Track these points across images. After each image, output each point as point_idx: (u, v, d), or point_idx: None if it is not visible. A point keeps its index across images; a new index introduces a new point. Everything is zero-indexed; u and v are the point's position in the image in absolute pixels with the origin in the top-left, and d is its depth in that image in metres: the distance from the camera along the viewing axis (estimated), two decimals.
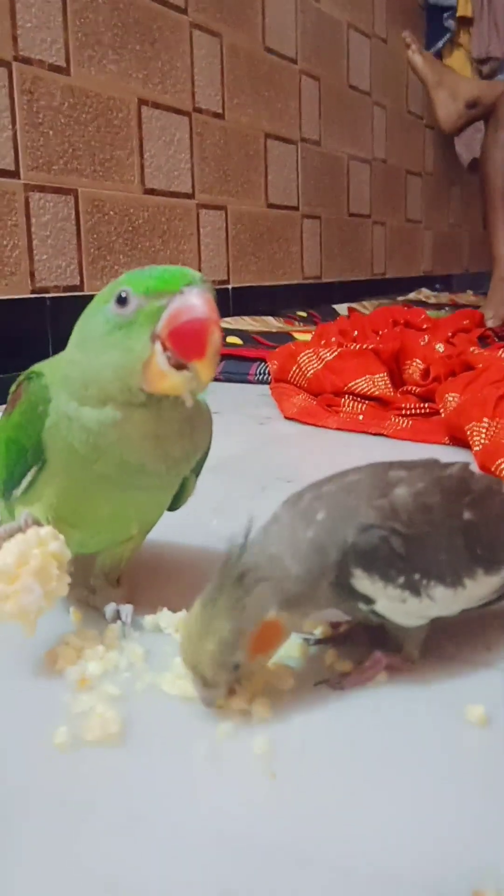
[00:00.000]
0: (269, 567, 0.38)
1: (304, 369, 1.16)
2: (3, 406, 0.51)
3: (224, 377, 1.37)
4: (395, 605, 0.40)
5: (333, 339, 1.31)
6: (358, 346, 1.18)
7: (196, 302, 0.40)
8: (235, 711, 0.39)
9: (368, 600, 0.40)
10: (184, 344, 0.40)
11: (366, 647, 0.44)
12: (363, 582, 0.40)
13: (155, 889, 0.29)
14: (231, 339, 1.51)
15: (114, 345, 0.42)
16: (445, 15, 2.93)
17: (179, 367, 0.41)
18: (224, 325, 1.69)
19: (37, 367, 0.48)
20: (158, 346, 0.41)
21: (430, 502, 0.41)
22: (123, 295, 0.41)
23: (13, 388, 0.50)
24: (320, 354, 1.17)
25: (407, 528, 0.40)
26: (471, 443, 0.87)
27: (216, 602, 0.37)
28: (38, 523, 0.45)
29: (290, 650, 0.44)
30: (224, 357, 1.39)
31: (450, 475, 0.44)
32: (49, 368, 0.47)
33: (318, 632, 0.47)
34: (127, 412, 0.43)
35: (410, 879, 0.29)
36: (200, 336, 0.40)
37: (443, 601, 0.41)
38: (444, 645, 0.46)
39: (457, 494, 0.43)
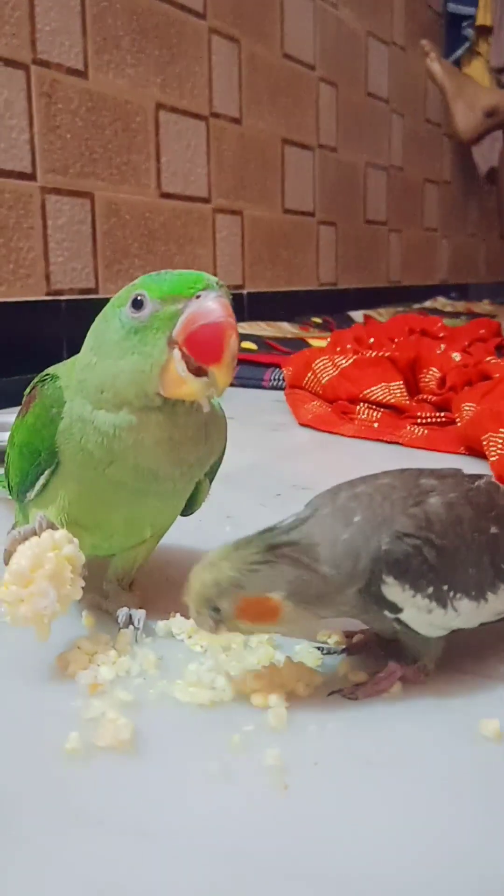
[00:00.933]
0: (304, 555, 0.38)
1: (318, 376, 1.16)
2: (18, 408, 0.51)
3: (238, 383, 1.36)
4: (422, 615, 0.40)
5: (349, 346, 1.30)
6: (374, 354, 1.17)
7: (213, 306, 0.40)
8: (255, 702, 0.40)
9: (395, 608, 0.40)
10: (201, 349, 0.40)
11: (381, 658, 0.44)
12: (394, 590, 0.39)
13: None
14: (246, 345, 1.51)
15: (130, 349, 0.42)
16: (464, 24, 2.92)
17: (197, 372, 0.41)
18: (239, 330, 1.70)
19: (52, 369, 0.48)
20: (176, 352, 0.41)
21: (462, 514, 0.41)
22: (139, 298, 0.41)
23: (28, 390, 0.50)
24: (335, 361, 1.16)
25: (441, 539, 0.40)
26: (487, 453, 0.86)
27: (238, 551, 0.38)
28: (52, 526, 0.44)
29: (305, 658, 0.44)
30: (239, 362, 1.38)
31: (478, 488, 0.43)
32: (64, 371, 0.47)
33: (332, 641, 0.46)
34: (142, 416, 0.43)
35: None
36: (218, 341, 0.40)
37: (466, 614, 0.41)
38: (458, 659, 0.45)
39: (485, 508, 0.42)
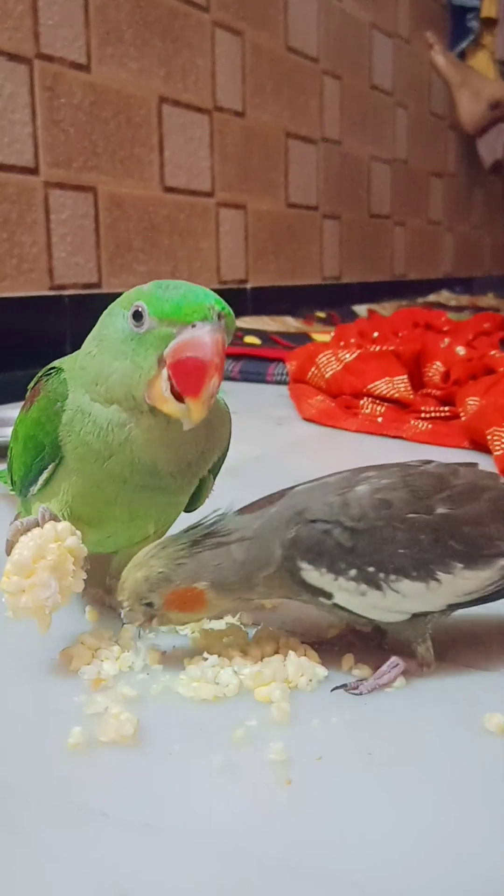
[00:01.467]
0: (220, 544, 0.41)
1: (322, 370, 1.16)
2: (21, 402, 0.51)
3: (242, 377, 1.36)
4: (355, 598, 0.41)
5: (353, 340, 1.30)
6: (378, 348, 1.17)
7: (204, 341, 0.40)
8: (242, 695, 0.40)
9: (326, 594, 0.41)
10: (182, 379, 0.40)
11: (383, 652, 0.44)
12: (312, 574, 0.41)
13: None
14: (249, 339, 1.51)
15: (125, 354, 0.42)
16: (469, 16, 2.91)
17: (178, 396, 0.41)
18: (242, 324, 1.69)
19: (57, 363, 0.48)
20: (164, 371, 0.41)
21: (390, 498, 0.42)
22: (139, 311, 0.41)
23: (31, 384, 0.50)
24: (339, 356, 1.16)
25: (355, 521, 0.41)
26: (491, 447, 0.86)
27: (166, 547, 0.41)
28: (55, 518, 0.44)
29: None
30: (242, 357, 1.39)
31: (423, 472, 0.44)
32: (69, 363, 0.47)
33: (324, 634, 0.47)
34: (132, 416, 0.43)
35: (429, 893, 0.29)
36: (198, 376, 0.40)
37: (416, 595, 0.41)
38: (462, 653, 0.45)
39: (428, 491, 0.42)
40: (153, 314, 0.41)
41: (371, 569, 0.41)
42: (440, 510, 0.42)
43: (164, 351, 0.41)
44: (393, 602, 0.41)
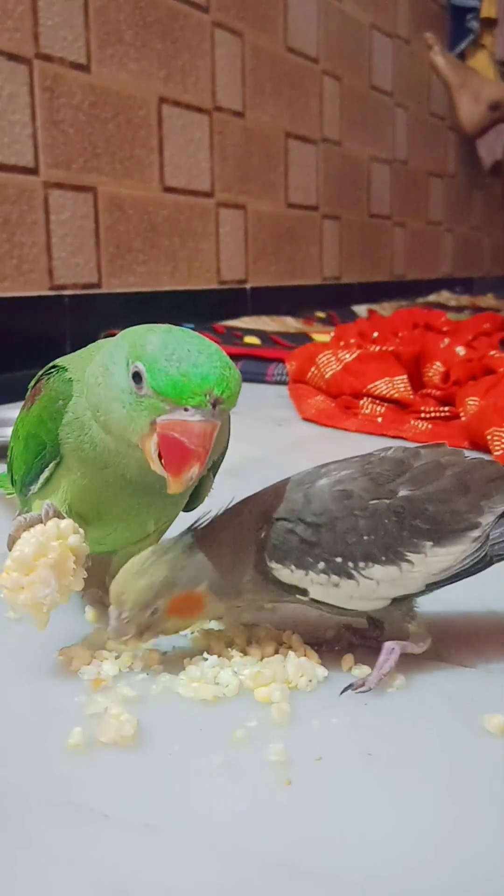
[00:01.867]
0: (211, 546, 0.42)
1: (322, 370, 1.16)
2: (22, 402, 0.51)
3: (242, 377, 1.36)
4: (330, 590, 0.42)
5: (353, 340, 1.30)
6: (377, 349, 1.17)
7: (193, 430, 0.39)
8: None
9: (301, 591, 0.42)
10: (165, 455, 0.40)
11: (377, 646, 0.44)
12: (283, 573, 0.42)
13: None
14: (249, 340, 1.51)
15: (123, 404, 0.41)
16: (469, 16, 2.91)
17: None
18: (242, 324, 1.69)
19: (60, 361, 0.48)
20: (155, 436, 0.40)
21: (350, 488, 0.42)
22: (138, 374, 0.40)
23: (32, 383, 0.49)
24: (339, 356, 1.16)
25: (316, 516, 0.41)
26: (491, 448, 0.86)
27: (165, 553, 0.41)
28: (58, 515, 0.44)
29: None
30: (242, 357, 1.39)
31: (382, 458, 0.44)
32: (77, 365, 0.46)
33: (323, 634, 0.47)
34: (130, 448, 0.42)
35: (429, 893, 0.29)
36: (180, 460, 0.39)
37: (390, 580, 0.42)
38: (462, 653, 0.45)
39: (388, 476, 0.43)
40: (150, 384, 0.39)
41: (339, 559, 0.41)
42: (402, 493, 0.43)
43: (157, 419, 0.40)
44: (368, 589, 0.42)
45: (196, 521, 0.43)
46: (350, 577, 0.41)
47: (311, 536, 0.41)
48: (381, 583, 0.42)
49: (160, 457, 0.40)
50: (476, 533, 0.43)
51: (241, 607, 0.45)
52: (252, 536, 0.42)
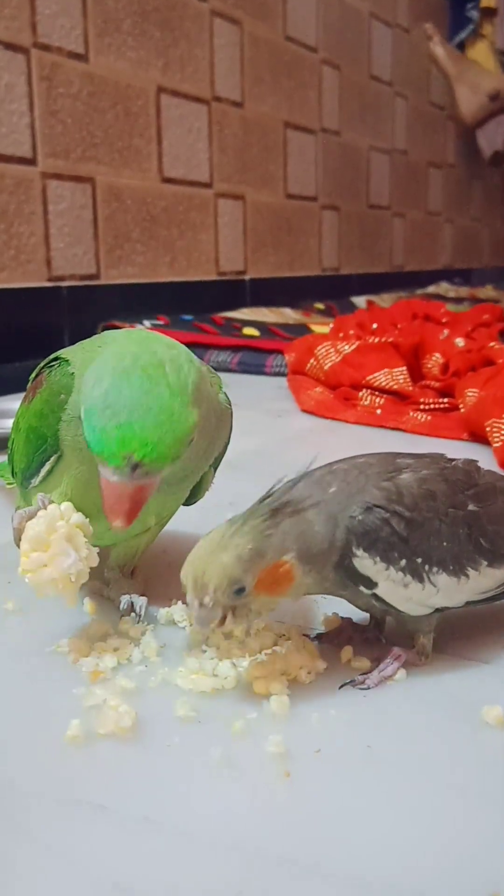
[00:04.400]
0: (300, 511, 0.39)
1: (321, 362, 1.15)
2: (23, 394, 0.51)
3: (241, 369, 1.36)
4: (398, 589, 0.41)
5: (352, 331, 1.30)
6: (377, 340, 1.17)
7: (110, 489, 0.38)
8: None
9: (370, 583, 0.40)
10: (103, 496, 0.39)
11: (381, 644, 0.44)
12: (365, 563, 0.40)
13: (163, 892, 0.29)
14: (248, 331, 1.50)
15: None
16: (468, 6, 2.90)
17: None
18: (241, 316, 1.68)
19: (62, 353, 0.47)
20: None
21: (435, 489, 0.42)
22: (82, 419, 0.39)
23: (33, 375, 0.49)
24: (338, 347, 1.16)
25: (410, 511, 0.40)
26: (490, 439, 0.86)
27: (245, 523, 0.38)
28: (54, 503, 0.44)
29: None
30: (241, 348, 1.38)
31: (455, 467, 0.44)
32: (80, 357, 0.45)
33: (322, 627, 0.47)
34: None
35: (427, 889, 0.29)
36: (108, 508, 0.39)
37: (446, 590, 0.41)
38: (461, 645, 0.45)
39: (461, 486, 0.43)
40: (87, 435, 0.39)
41: (419, 560, 0.41)
42: (470, 506, 0.42)
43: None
44: (427, 595, 0.41)
45: (271, 489, 0.39)
46: (420, 580, 0.41)
47: (404, 531, 0.40)
48: (440, 591, 0.41)
49: None
50: None
51: (326, 585, 0.41)
52: (343, 513, 0.40)
